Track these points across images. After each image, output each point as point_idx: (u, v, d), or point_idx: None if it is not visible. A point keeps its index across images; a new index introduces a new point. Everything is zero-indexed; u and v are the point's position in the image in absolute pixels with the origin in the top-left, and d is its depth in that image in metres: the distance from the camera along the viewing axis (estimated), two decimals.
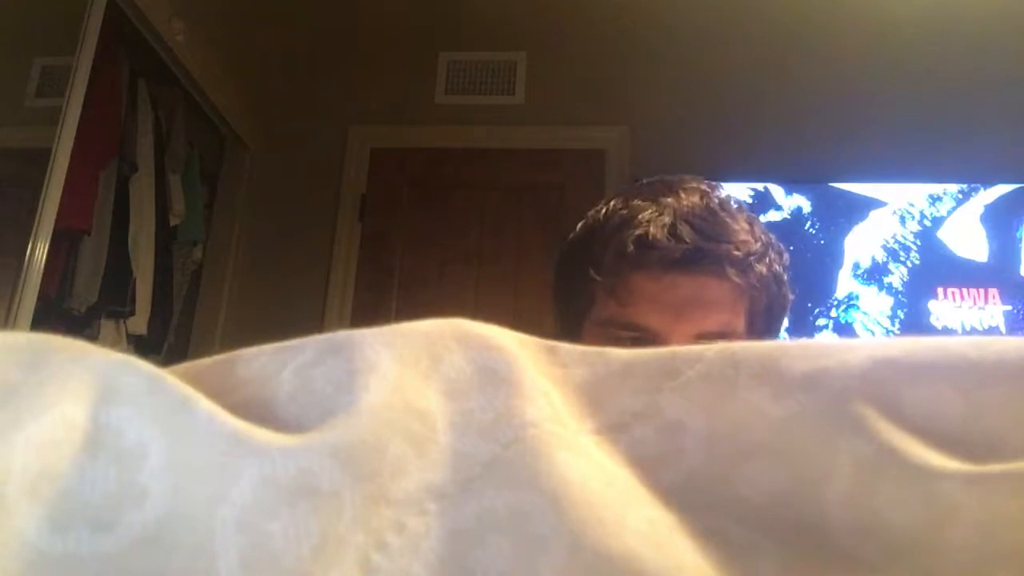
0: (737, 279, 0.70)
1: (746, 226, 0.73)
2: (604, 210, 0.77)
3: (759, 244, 0.73)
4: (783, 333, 0.83)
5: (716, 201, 0.74)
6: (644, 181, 0.79)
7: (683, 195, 0.74)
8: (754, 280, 0.71)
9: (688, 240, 0.70)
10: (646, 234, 0.71)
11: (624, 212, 0.74)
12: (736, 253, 0.70)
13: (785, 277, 0.76)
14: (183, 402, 0.21)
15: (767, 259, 0.73)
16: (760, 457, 0.21)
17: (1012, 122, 2.43)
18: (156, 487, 0.20)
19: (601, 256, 0.74)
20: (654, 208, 0.72)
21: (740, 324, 0.71)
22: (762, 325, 0.74)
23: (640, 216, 0.72)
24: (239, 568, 0.19)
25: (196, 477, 0.20)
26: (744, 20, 2.58)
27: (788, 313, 0.78)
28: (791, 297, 0.77)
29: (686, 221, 0.71)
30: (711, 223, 0.72)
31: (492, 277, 2.54)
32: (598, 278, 0.73)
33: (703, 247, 0.70)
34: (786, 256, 0.77)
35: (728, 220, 0.72)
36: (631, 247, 0.71)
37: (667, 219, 0.71)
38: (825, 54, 2.57)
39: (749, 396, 0.22)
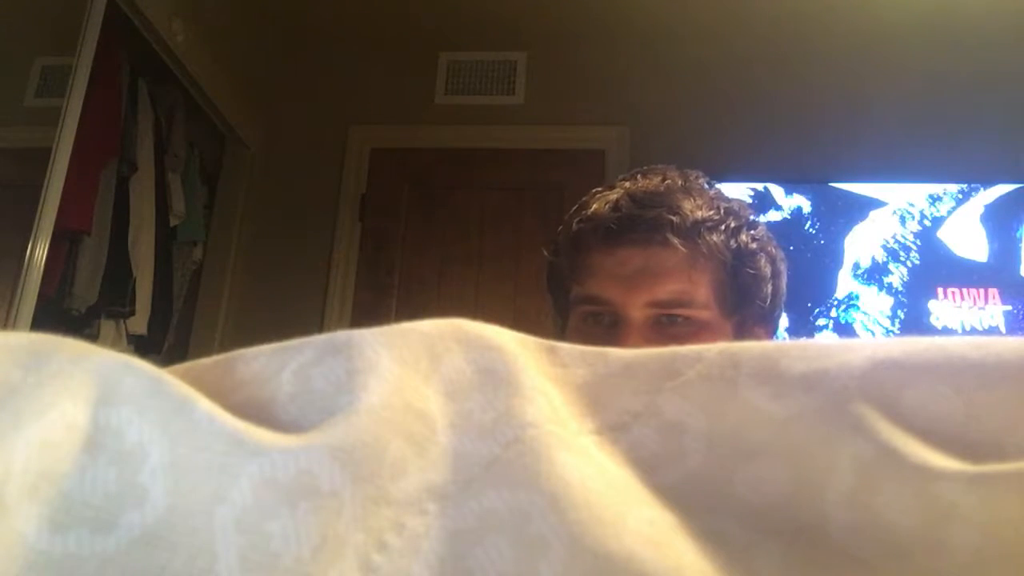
0: (683, 247, 0.71)
1: (700, 201, 0.74)
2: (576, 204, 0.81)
3: (712, 213, 0.73)
4: (783, 333, 0.82)
5: (678, 183, 0.76)
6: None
7: (641, 178, 0.77)
8: (704, 248, 0.72)
9: (624, 210, 0.73)
10: (590, 212, 0.75)
11: (585, 199, 0.78)
12: (674, 219, 0.71)
13: (753, 248, 0.75)
14: (183, 402, 0.21)
15: (724, 230, 0.73)
16: (760, 458, 0.21)
17: (1012, 122, 2.43)
18: (156, 487, 0.20)
19: (558, 239, 0.79)
20: (609, 191, 0.76)
21: (701, 293, 0.72)
22: (734, 298, 0.74)
23: (592, 200, 0.77)
24: (239, 568, 0.19)
25: (196, 478, 0.20)
26: (744, 20, 2.57)
27: (769, 290, 0.76)
28: (767, 272, 0.76)
29: (630, 196, 0.74)
30: (654, 195, 0.73)
31: (492, 277, 2.53)
32: (554, 259, 0.79)
33: (635, 214, 0.72)
34: (761, 231, 0.77)
35: (678, 194, 0.74)
36: (575, 226, 0.76)
37: (614, 196, 0.75)
38: (825, 54, 2.57)
39: (749, 396, 0.22)
